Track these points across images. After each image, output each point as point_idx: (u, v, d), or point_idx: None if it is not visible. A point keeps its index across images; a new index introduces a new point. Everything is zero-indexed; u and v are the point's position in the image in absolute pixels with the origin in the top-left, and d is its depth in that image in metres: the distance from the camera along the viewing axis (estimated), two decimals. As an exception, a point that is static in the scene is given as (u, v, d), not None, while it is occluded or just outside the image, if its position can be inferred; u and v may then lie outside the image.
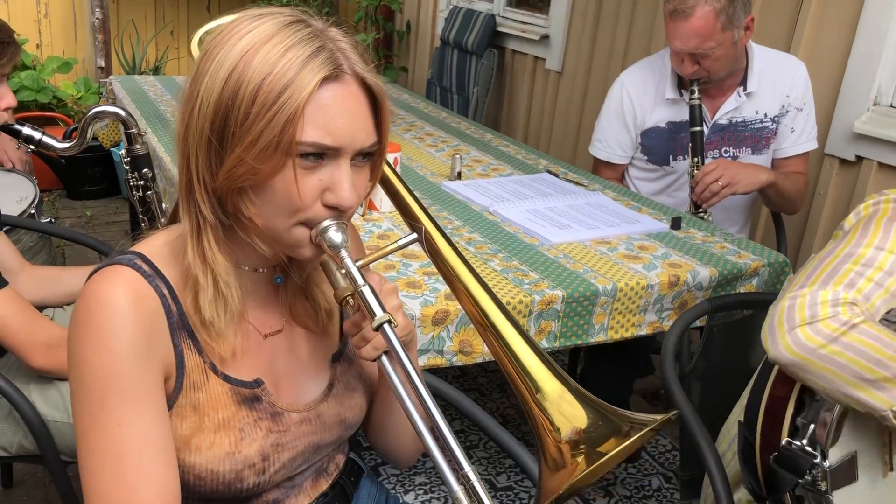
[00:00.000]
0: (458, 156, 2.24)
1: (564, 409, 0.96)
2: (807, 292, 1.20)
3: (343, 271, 0.95)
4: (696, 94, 2.17)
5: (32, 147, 1.62)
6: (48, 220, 2.74)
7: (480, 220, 1.93)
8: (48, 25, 4.96)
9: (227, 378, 0.96)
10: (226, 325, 0.95)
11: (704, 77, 2.16)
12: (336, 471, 1.12)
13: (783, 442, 1.24)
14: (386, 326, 0.90)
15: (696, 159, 2.18)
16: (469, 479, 0.85)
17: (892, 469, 1.28)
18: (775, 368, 1.32)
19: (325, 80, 0.86)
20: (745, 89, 2.25)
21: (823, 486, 1.19)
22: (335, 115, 0.87)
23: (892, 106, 2.40)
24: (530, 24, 4.05)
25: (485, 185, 2.17)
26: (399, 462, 1.21)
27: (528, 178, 2.28)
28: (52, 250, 2.62)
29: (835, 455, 1.21)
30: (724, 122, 2.28)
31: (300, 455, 1.02)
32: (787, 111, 2.28)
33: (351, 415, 1.09)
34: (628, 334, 1.68)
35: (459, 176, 2.23)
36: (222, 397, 0.96)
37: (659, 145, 2.34)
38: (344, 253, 0.91)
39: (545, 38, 3.89)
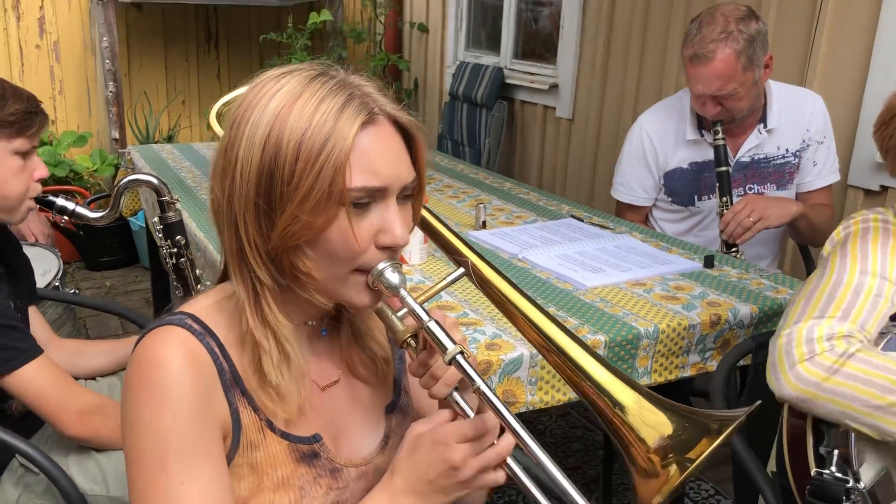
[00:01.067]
0: (481, 205, 2.24)
1: (647, 419, 0.95)
2: (802, 327, 1.23)
3: (399, 314, 0.96)
4: (721, 135, 2.17)
5: (66, 217, 1.62)
6: (72, 290, 2.74)
7: (511, 268, 1.91)
8: (63, 102, 5.04)
9: (284, 435, 0.95)
10: (292, 385, 0.94)
11: (727, 118, 2.16)
12: None
13: (812, 473, 1.22)
14: (459, 358, 0.90)
15: (724, 199, 2.17)
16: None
17: None
18: (785, 407, 1.32)
19: (363, 125, 0.87)
20: (765, 126, 2.25)
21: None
22: (377, 157, 0.88)
23: (913, 135, 2.40)
24: (539, 74, 4.09)
25: (511, 233, 2.16)
26: None
27: (554, 224, 2.27)
28: (77, 322, 2.62)
29: (867, 475, 1.21)
30: (746, 159, 2.27)
31: None
32: (808, 145, 2.28)
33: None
34: (672, 377, 1.65)
35: (484, 225, 2.22)
36: (280, 455, 0.94)
37: (683, 186, 2.33)
38: (404, 292, 0.91)
39: (554, 87, 3.92)
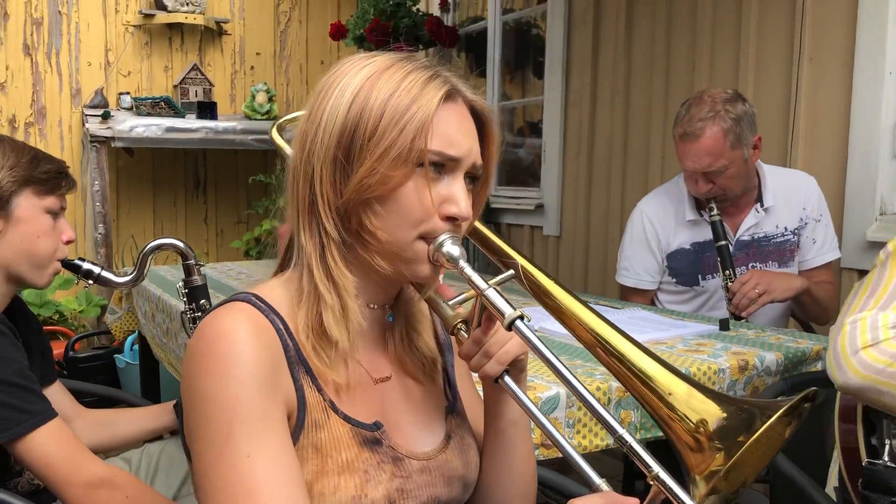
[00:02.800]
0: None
1: (696, 406, 0.94)
2: (867, 316, 1.23)
3: (451, 302, 0.97)
4: (716, 212, 2.24)
5: (91, 282, 1.61)
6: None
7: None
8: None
9: (347, 418, 0.91)
10: (348, 346, 0.92)
11: (720, 195, 2.25)
12: None
13: (864, 464, 1.19)
14: (519, 322, 0.88)
15: (727, 272, 2.21)
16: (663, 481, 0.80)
17: None
18: (836, 410, 1.30)
19: (445, 98, 0.91)
20: (762, 205, 2.33)
21: None
22: (455, 129, 0.92)
23: (897, 213, 2.50)
24: (523, 197, 4.23)
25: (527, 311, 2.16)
26: None
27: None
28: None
29: None
30: (746, 238, 2.34)
31: None
32: (805, 223, 2.35)
33: (468, 472, 1.02)
34: (707, 425, 1.62)
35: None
36: (344, 437, 0.90)
37: (686, 266, 2.38)
38: (463, 263, 0.91)
39: (540, 206, 4.05)
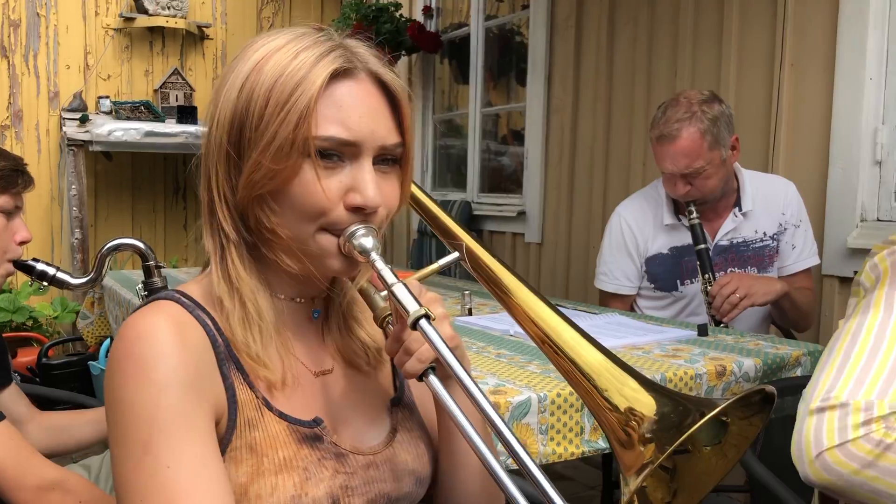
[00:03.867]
0: (467, 293, 2.21)
1: (626, 387, 0.89)
2: (836, 404, 1.07)
3: (383, 293, 0.91)
4: (695, 215, 2.21)
5: (46, 283, 1.55)
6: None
7: (504, 340, 1.86)
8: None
9: (282, 415, 0.86)
10: (264, 351, 0.86)
11: (699, 197, 2.21)
12: None
13: None
14: (423, 322, 0.80)
15: (706, 276, 2.18)
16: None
17: None
18: None
19: (338, 75, 0.84)
20: (740, 209, 2.30)
21: None
22: (350, 109, 0.84)
23: (878, 220, 2.48)
24: (506, 203, 4.19)
25: (498, 317, 2.12)
26: None
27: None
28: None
29: None
30: (725, 243, 2.31)
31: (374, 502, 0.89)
32: (785, 229, 2.33)
33: (420, 466, 0.97)
34: (683, 431, 1.58)
35: (470, 312, 2.18)
36: (280, 435, 0.85)
37: (665, 271, 2.34)
38: (375, 255, 0.84)
39: (522, 213, 4.01)
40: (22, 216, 1.54)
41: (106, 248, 1.66)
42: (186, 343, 0.81)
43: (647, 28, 3.25)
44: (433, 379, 0.85)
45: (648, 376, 1.29)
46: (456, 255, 1.05)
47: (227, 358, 0.85)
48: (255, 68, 0.84)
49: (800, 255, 2.34)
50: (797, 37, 2.66)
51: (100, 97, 5.09)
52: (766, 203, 2.32)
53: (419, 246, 4.61)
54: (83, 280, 1.62)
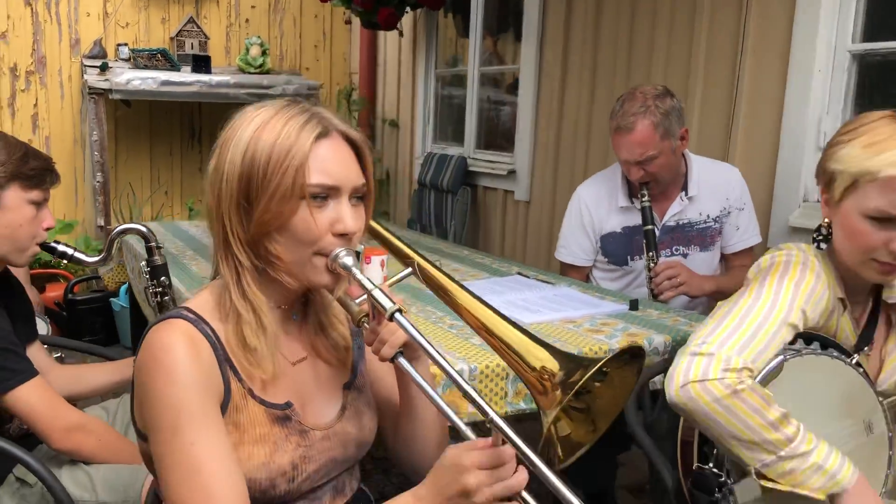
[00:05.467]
0: (437, 262, 2.50)
1: (538, 354, 1.19)
2: (705, 351, 1.39)
3: (357, 300, 1.20)
4: (647, 198, 2.46)
5: (66, 262, 1.86)
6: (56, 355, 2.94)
7: (460, 312, 2.15)
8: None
9: (262, 401, 1.17)
10: (266, 350, 1.16)
11: (651, 180, 2.46)
12: (351, 493, 1.30)
13: (694, 467, 1.42)
14: (398, 315, 1.11)
15: (650, 254, 2.44)
16: (497, 424, 1.04)
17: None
18: None
19: (319, 137, 1.14)
20: (686, 194, 2.55)
21: (732, 501, 1.37)
22: (330, 162, 1.14)
23: (818, 201, 2.71)
24: (498, 161, 4.44)
25: (483, 285, 2.41)
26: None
27: (503, 280, 2.53)
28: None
29: (739, 476, 1.39)
30: (671, 223, 2.56)
31: (323, 467, 1.20)
32: (728, 212, 2.57)
33: (363, 435, 1.28)
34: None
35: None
36: (259, 416, 1.15)
37: (617, 248, 2.61)
38: (355, 270, 1.14)
39: (512, 172, 4.26)
40: (48, 206, 1.83)
41: (115, 232, 1.96)
42: (198, 354, 1.11)
43: (629, 4, 3.43)
44: (402, 360, 1.17)
45: (572, 349, 1.60)
46: (409, 270, 1.33)
47: (224, 360, 1.15)
48: (253, 136, 1.13)
49: (742, 235, 2.59)
50: (758, 24, 2.85)
51: (119, 44, 5.33)
52: (711, 188, 2.57)
53: (419, 195, 4.88)
54: (96, 259, 1.93)
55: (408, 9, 4.87)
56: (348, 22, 5.08)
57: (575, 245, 2.66)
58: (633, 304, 2.21)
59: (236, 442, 1.13)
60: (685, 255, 2.57)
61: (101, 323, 4.65)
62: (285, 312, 1.25)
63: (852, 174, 1.45)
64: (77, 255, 1.89)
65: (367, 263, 2.14)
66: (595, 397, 1.25)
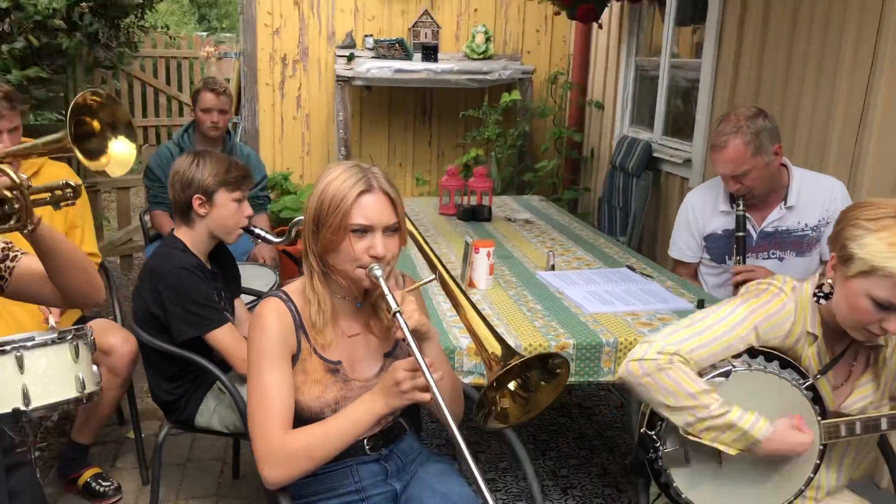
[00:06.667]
0: (550, 252, 2.99)
1: (493, 343, 1.72)
2: (650, 340, 1.79)
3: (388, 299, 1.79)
4: (741, 207, 2.75)
5: (260, 241, 2.65)
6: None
7: (552, 300, 2.65)
8: (309, 161, 6.43)
9: (321, 357, 1.81)
10: (324, 326, 1.80)
11: (748, 192, 2.75)
12: (386, 424, 1.91)
13: (641, 431, 1.84)
14: (397, 315, 1.67)
15: (738, 258, 2.74)
16: (411, 348, 1.62)
17: (720, 465, 1.81)
18: None
19: (363, 192, 1.71)
20: (786, 203, 2.79)
21: (659, 462, 1.79)
22: (369, 209, 1.72)
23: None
24: (678, 149, 4.70)
25: (569, 275, 2.89)
26: None
27: (608, 271, 2.97)
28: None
29: (671, 444, 1.80)
30: (770, 229, 2.82)
31: None
32: (827, 222, 2.77)
33: None
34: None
35: (553, 268, 2.97)
36: (317, 367, 1.80)
37: (718, 248, 2.92)
38: (382, 281, 1.72)
39: (688, 161, 4.52)
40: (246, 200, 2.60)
41: (293, 221, 2.70)
42: (281, 320, 1.77)
43: (792, 11, 3.56)
44: (411, 340, 1.69)
45: (609, 337, 2.07)
46: (434, 277, 1.90)
47: (300, 327, 1.80)
48: (324, 187, 1.75)
49: (839, 244, 2.77)
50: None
51: (365, 35, 6.24)
52: (812, 199, 2.77)
53: (610, 176, 5.26)
54: (281, 240, 2.70)
55: (613, 1, 5.21)
56: (557, 13, 5.52)
57: (682, 243, 3.01)
58: (700, 303, 2.55)
59: (301, 381, 1.78)
60: (781, 259, 2.82)
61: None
62: (350, 301, 1.87)
63: (871, 265, 1.61)
64: (267, 236, 2.67)
65: (476, 253, 2.70)
66: (538, 392, 1.75)
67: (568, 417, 3.69)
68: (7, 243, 1.82)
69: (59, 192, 1.58)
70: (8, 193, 1.55)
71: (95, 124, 1.57)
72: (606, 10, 5.40)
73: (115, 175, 1.67)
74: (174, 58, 8.61)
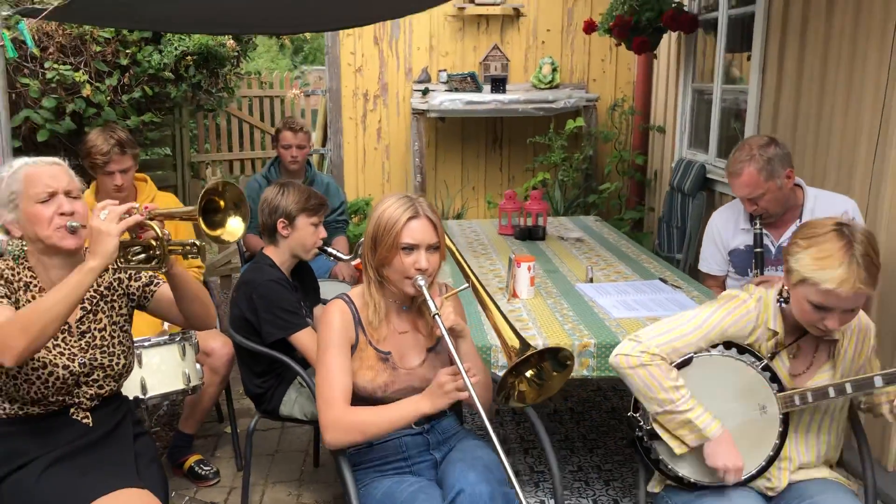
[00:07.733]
0: (590, 266, 3.36)
1: (513, 340, 2.12)
2: (636, 339, 2.14)
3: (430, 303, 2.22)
4: (759, 226, 3.05)
5: (332, 259, 3.12)
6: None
7: (584, 307, 3.02)
8: (388, 187, 6.95)
9: (375, 348, 2.24)
10: (378, 324, 2.24)
11: (764, 213, 3.05)
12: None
13: (629, 414, 2.20)
14: (436, 317, 2.08)
15: (756, 271, 3.04)
16: (453, 358, 2.04)
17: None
18: None
19: (410, 218, 2.14)
20: (801, 221, 3.07)
21: (645, 439, 2.15)
22: (415, 231, 2.14)
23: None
24: (729, 171, 4.96)
25: (604, 287, 3.25)
26: None
27: (640, 283, 3.31)
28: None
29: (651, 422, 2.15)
30: (787, 245, 3.10)
31: (402, 390, 2.23)
32: (840, 236, 3.04)
33: (432, 377, 2.30)
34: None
35: (591, 280, 3.33)
36: (371, 355, 2.23)
37: (741, 262, 3.22)
38: (424, 289, 2.14)
39: (737, 182, 4.77)
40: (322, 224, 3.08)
41: (358, 243, 3.16)
42: (343, 316, 2.22)
43: (823, 41, 3.83)
44: (447, 337, 2.10)
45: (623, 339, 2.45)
46: (467, 285, 2.32)
47: (358, 323, 2.24)
48: (379, 215, 2.19)
49: (850, 256, 3.04)
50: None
51: (440, 70, 6.74)
52: (826, 215, 3.04)
53: (670, 196, 5.54)
54: (349, 257, 3.17)
55: (668, 31, 5.53)
56: (618, 44, 5.86)
57: (710, 257, 3.32)
58: (715, 309, 2.87)
59: (358, 367, 2.22)
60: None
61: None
62: (399, 305, 2.29)
63: (802, 276, 1.95)
64: (338, 254, 3.15)
65: (518, 267, 3.09)
66: (549, 379, 2.14)
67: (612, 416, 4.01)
68: (153, 274, 2.35)
69: (188, 248, 2.14)
70: (154, 243, 2.07)
71: (221, 203, 2.13)
72: (665, 39, 5.72)
73: (225, 241, 2.19)
74: (267, 96, 9.35)
